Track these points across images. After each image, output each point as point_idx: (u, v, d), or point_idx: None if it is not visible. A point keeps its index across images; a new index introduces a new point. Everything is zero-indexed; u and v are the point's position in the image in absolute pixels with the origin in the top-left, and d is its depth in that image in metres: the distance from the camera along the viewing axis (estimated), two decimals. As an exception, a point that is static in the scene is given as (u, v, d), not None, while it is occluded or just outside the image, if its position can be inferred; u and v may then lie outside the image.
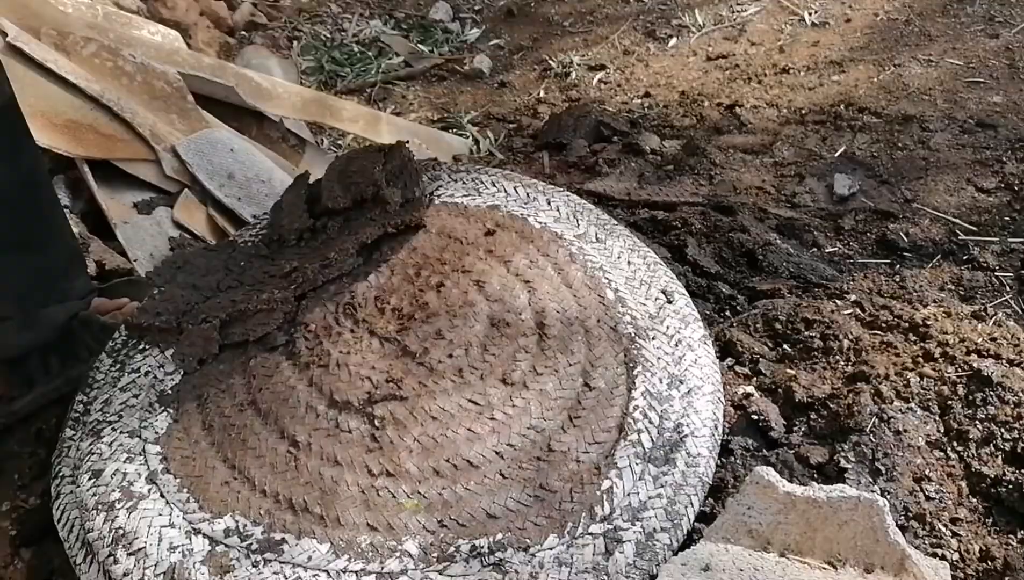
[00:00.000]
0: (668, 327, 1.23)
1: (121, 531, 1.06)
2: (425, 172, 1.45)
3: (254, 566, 1.01)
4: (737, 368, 1.33)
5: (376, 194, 1.34)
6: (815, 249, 1.66)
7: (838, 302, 1.40)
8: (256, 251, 1.38)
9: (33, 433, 1.37)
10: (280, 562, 1.01)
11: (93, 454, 1.16)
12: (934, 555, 1.02)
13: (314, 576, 1.00)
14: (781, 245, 1.60)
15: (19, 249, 1.26)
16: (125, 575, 1.02)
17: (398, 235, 1.33)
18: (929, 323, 1.30)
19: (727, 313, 1.47)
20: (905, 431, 1.14)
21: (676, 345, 1.21)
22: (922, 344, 1.27)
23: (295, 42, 2.76)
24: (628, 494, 1.04)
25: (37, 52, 1.72)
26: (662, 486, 1.05)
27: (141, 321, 1.27)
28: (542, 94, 2.52)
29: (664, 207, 1.76)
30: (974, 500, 1.09)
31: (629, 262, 1.32)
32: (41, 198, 1.28)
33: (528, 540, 1.01)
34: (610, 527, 1.02)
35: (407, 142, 1.43)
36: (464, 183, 1.46)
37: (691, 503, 1.06)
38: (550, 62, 2.63)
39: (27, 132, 1.26)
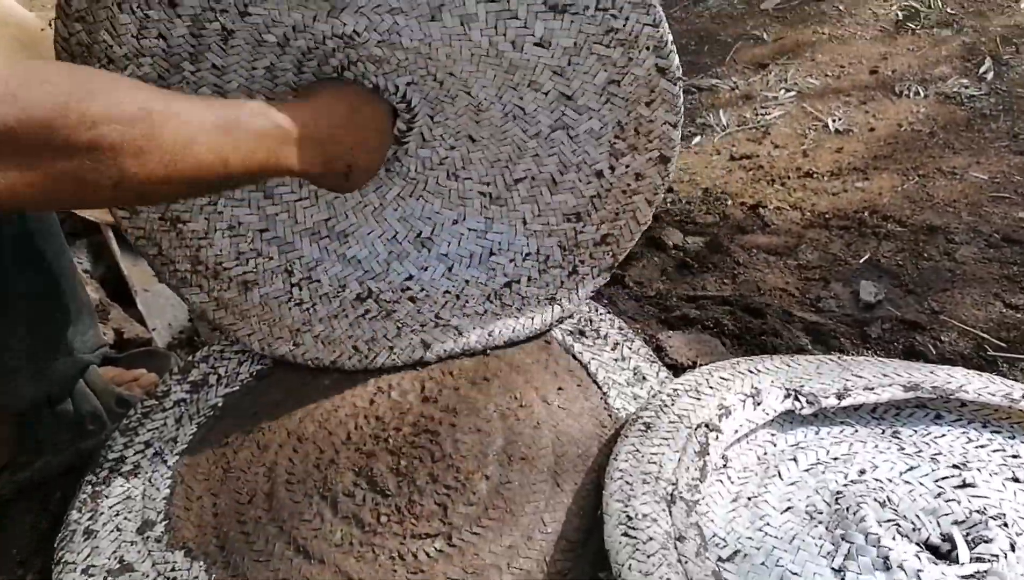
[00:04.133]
0: None
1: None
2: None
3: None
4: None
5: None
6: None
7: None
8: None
9: (36, 505, 1.34)
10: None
11: (98, 547, 1.12)
12: None
13: None
14: (814, 351, 1.57)
15: (30, 299, 1.24)
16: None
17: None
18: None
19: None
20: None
21: None
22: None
23: None
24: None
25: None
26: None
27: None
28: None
29: (695, 305, 1.74)
30: None
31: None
32: (52, 247, 1.27)
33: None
34: None
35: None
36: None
37: None
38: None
39: None
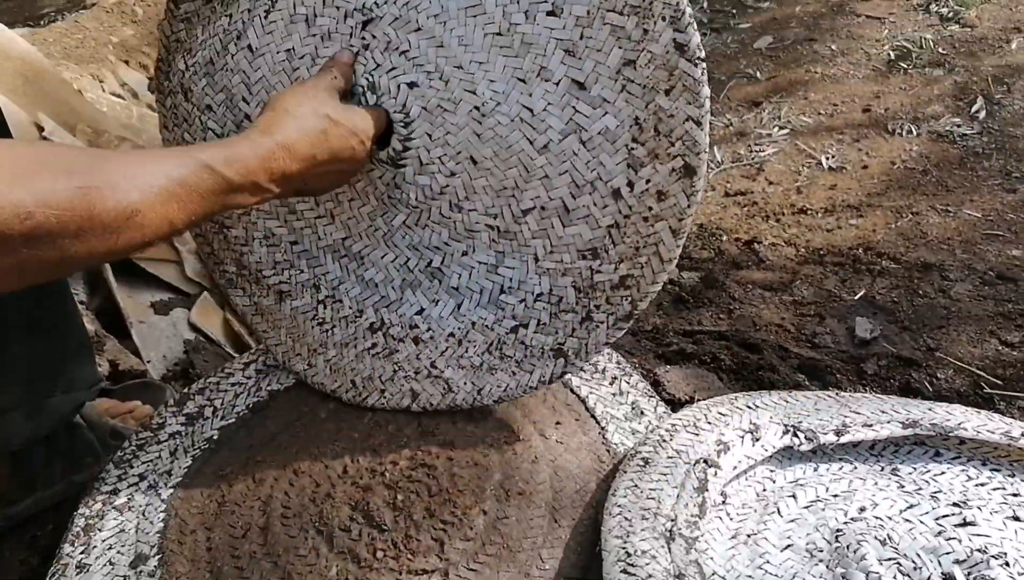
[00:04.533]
0: None
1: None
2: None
3: None
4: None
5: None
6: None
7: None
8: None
9: (27, 540, 1.32)
10: None
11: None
12: None
13: None
14: (810, 387, 1.57)
15: (27, 334, 1.23)
16: None
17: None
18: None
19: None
20: None
21: None
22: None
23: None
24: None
25: (70, 147, 1.73)
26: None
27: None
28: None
29: (692, 340, 1.74)
30: None
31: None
32: (52, 285, 1.26)
33: None
34: None
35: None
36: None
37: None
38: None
39: None
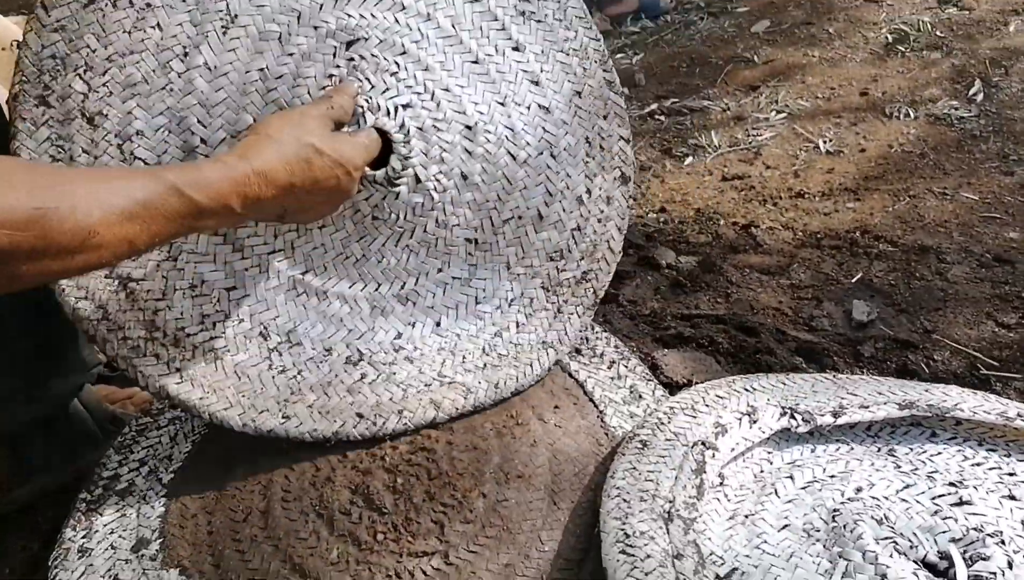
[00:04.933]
0: None
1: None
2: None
3: None
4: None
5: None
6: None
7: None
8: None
9: (29, 525, 1.33)
10: None
11: (92, 566, 1.11)
12: None
13: None
14: (808, 370, 1.58)
15: (24, 318, 1.23)
16: None
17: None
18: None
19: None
20: None
21: None
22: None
23: None
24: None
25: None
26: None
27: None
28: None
29: (689, 324, 1.75)
30: None
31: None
32: None
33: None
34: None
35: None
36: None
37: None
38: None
39: None
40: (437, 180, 1.20)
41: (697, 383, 1.34)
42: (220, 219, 0.90)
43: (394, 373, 1.23)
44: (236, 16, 1.10)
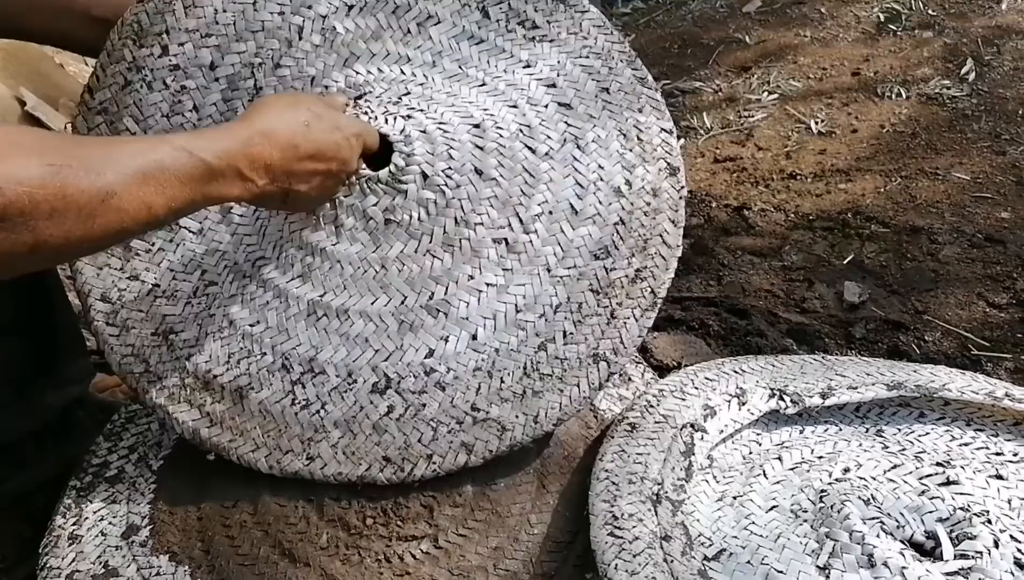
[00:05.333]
0: None
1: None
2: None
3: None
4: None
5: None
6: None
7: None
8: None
9: (20, 513, 1.33)
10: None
11: (82, 552, 1.11)
12: None
13: None
14: (798, 352, 1.58)
15: (17, 334, 1.23)
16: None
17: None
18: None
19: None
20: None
21: None
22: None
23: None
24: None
25: (54, 122, 1.72)
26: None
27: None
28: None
29: (681, 306, 1.75)
30: None
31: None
32: (46, 279, 1.26)
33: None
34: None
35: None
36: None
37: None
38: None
39: None
40: (447, 175, 1.14)
41: (687, 365, 1.34)
42: (232, 183, 0.90)
43: (424, 405, 1.13)
44: (261, 88, 1.15)
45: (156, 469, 1.21)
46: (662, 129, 1.25)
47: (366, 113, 1.12)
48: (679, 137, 2.59)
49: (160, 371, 1.13)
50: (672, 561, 0.97)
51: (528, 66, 1.23)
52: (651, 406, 1.20)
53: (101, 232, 0.78)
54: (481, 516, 1.09)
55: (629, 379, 1.33)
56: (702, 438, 1.15)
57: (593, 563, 0.99)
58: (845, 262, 1.95)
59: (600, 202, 1.19)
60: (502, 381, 1.14)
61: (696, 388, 1.23)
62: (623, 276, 1.17)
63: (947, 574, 0.96)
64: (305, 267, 1.14)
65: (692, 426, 1.15)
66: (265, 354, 1.14)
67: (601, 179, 1.20)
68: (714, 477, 1.14)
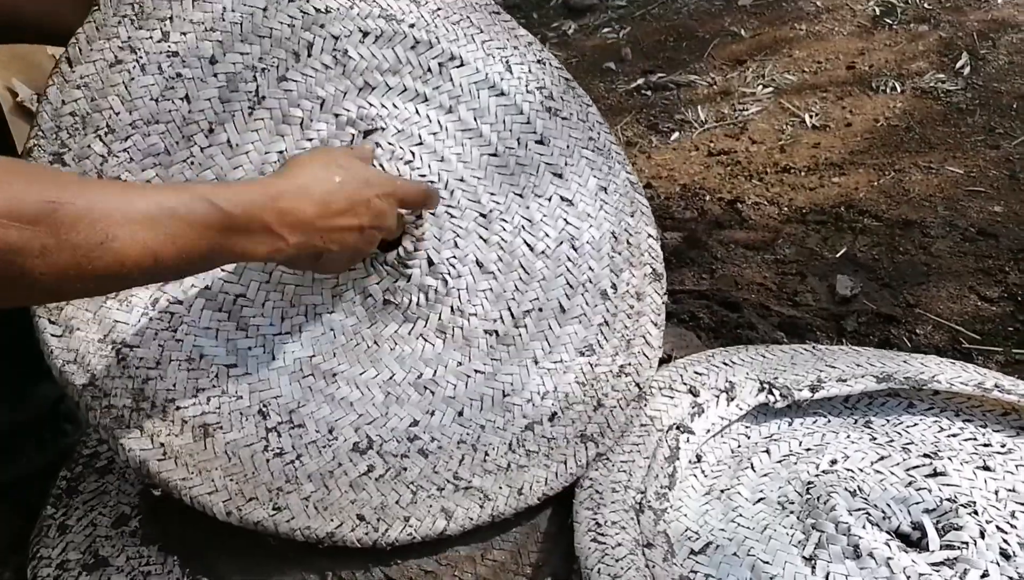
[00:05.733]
0: None
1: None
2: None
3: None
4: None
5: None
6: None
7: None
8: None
9: (12, 504, 1.33)
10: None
11: (73, 542, 1.11)
12: None
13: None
14: (788, 344, 1.58)
15: (9, 324, 1.22)
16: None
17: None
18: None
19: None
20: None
21: None
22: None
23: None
24: None
25: (46, 113, 1.72)
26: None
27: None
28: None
29: (672, 299, 1.75)
30: None
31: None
32: None
33: None
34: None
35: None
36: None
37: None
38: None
39: None
40: (451, 265, 1.15)
41: (677, 358, 1.35)
42: (257, 240, 0.84)
43: (404, 468, 1.09)
44: (264, 98, 1.10)
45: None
46: (649, 234, 1.32)
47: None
48: (674, 131, 2.60)
49: (107, 387, 1.00)
50: (654, 567, 0.97)
51: (541, 143, 1.27)
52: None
53: (98, 276, 0.73)
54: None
55: (619, 372, 1.33)
56: (688, 439, 1.16)
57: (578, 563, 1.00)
58: (838, 255, 1.95)
59: (587, 303, 1.23)
60: (486, 454, 1.12)
61: (685, 384, 1.24)
62: (607, 371, 1.21)
63: (933, 564, 0.97)
64: (296, 326, 1.10)
65: (678, 427, 1.16)
66: (242, 397, 1.06)
67: (590, 281, 1.25)
68: (703, 471, 1.15)
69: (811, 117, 2.52)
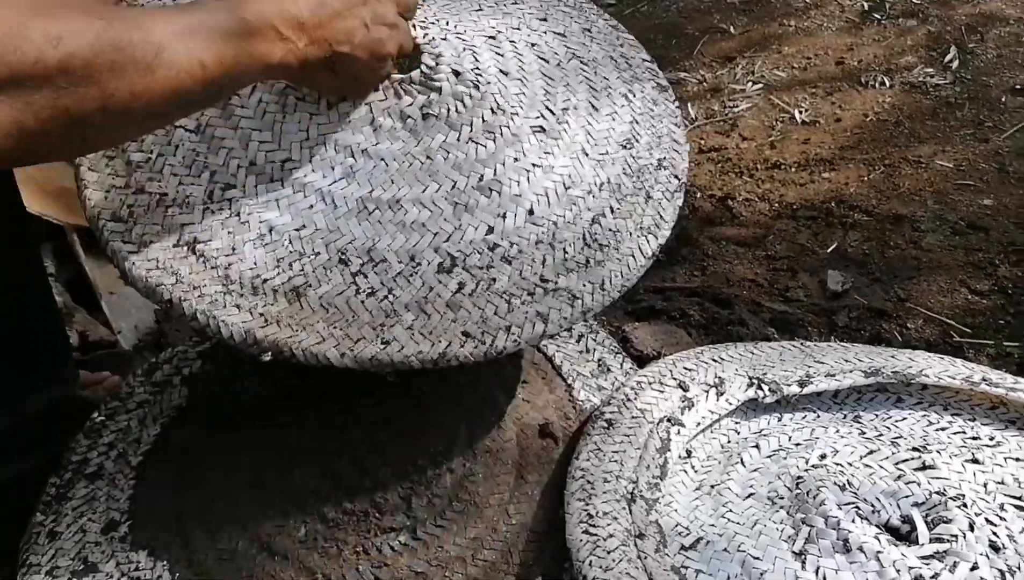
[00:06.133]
0: None
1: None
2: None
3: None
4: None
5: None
6: (809, 345, 1.65)
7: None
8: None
9: (1, 511, 1.32)
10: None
11: (62, 549, 1.11)
12: None
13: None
14: (779, 340, 1.58)
15: (3, 330, 1.22)
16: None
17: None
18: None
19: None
20: None
21: None
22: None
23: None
24: None
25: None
26: None
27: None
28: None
29: (662, 297, 1.75)
30: None
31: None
32: (34, 282, 1.25)
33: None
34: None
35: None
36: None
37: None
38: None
39: (26, 218, 1.23)
40: (477, 72, 1.17)
41: (666, 355, 1.35)
42: (272, 44, 0.88)
43: (493, 279, 1.11)
44: None
45: (135, 465, 1.21)
46: (643, 59, 1.37)
47: None
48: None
49: (195, 281, 1.05)
50: (646, 558, 0.97)
51: (544, 20, 1.36)
52: (628, 400, 1.20)
53: (161, 90, 0.78)
54: (459, 507, 1.10)
55: (608, 369, 1.33)
56: (679, 432, 1.15)
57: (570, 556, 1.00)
58: (828, 251, 1.95)
59: (614, 103, 1.28)
60: (565, 252, 1.14)
61: (674, 378, 1.24)
62: (648, 164, 1.24)
63: (922, 558, 0.97)
64: (347, 169, 1.12)
65: (669, 420, 1.16)
66: (319, 253, 1.09)
67: (609, 85, 1.30)
68: (692, 467, 1.15)
69: (801, 113, 2.52)
